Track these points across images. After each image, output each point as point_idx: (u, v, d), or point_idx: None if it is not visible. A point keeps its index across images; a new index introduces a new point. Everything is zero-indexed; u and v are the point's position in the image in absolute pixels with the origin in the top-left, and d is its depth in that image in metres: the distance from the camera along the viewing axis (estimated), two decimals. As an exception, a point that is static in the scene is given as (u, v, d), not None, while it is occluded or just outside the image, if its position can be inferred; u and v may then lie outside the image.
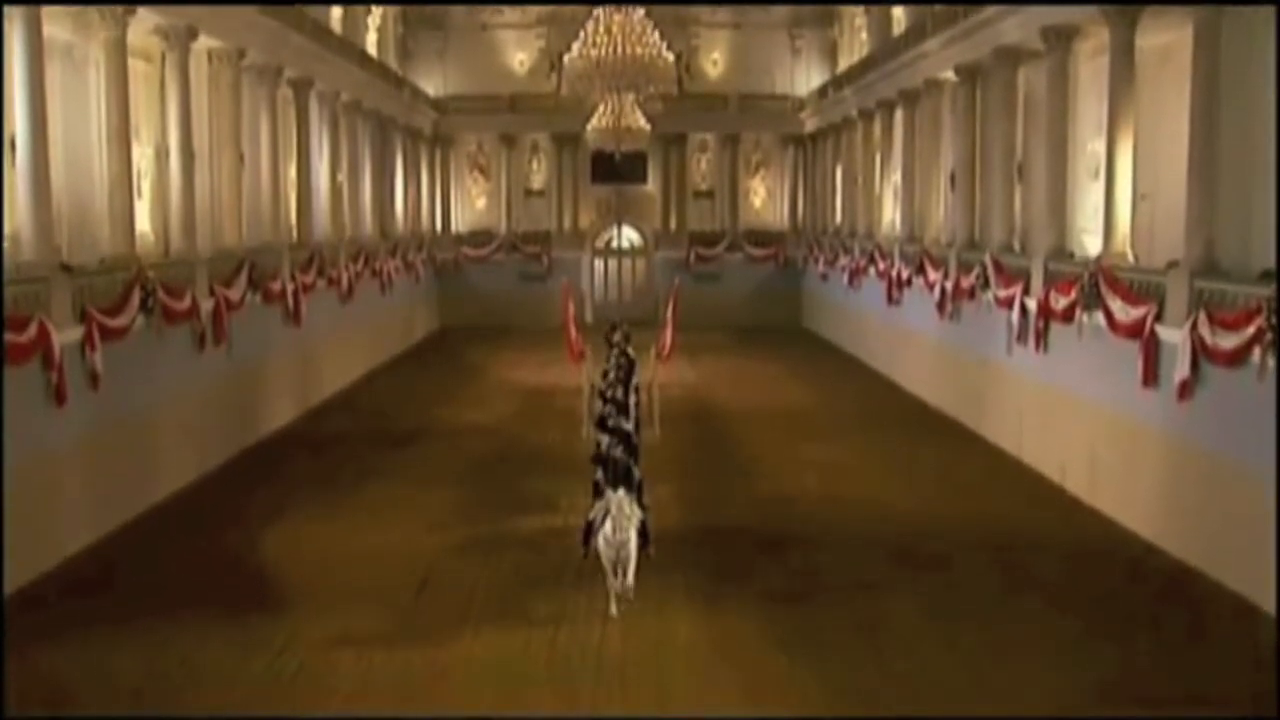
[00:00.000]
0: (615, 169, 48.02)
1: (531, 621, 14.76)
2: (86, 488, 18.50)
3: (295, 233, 31.88)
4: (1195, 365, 17.36)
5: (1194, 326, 17.18)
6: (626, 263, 51.53)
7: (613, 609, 14.64)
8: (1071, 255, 24.07)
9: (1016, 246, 27.12)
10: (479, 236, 50.22)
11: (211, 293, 23.66)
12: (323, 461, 24.13)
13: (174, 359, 21.86)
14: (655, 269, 50.01)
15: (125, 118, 21.91)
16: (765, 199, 51.97)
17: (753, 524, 19.57)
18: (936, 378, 30.63)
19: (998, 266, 25.67)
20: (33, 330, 16.58)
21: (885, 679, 13.23)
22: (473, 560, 17.37)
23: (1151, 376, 18.62)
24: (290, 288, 28.68)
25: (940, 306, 29.60)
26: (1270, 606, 14.90)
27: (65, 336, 17.60)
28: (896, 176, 36.91)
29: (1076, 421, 21.55)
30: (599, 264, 51.38)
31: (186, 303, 22.09)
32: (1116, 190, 22.48)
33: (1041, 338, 23.02)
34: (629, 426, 19.32)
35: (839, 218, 44.81)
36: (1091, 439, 20.88)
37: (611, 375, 23.53)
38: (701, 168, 51.66)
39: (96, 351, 18.49)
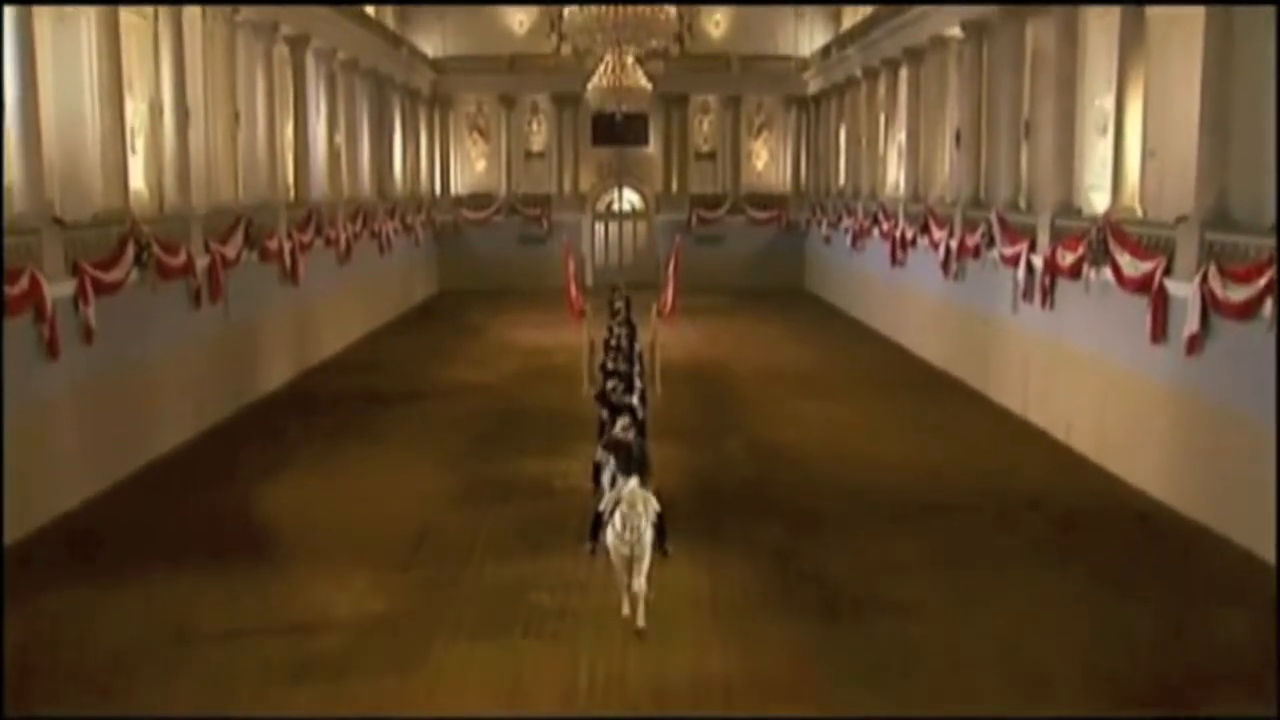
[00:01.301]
0: (616, 131, 47.53)
1: (531, 575, 14.62)
2: (82, 443, 18.29)
3: (292, 192, 31.58)
4: (1205, 319, 17.12)
5: (1204, 279, 16.91)
6: (627, 225, 51.17)
7: (625, 609, 12.95)
8: (1079, 212, 23.75)
9: (1023, 204, 26.80)
10: (478, 199, 49.83)
11: (207, 249, 23.38)
12: (321, 419, 23.95)
13: (169, 315, 21.61)
14: (656, 232, 49.63)
15: (117, 72, 21.51)
16: (768, 161, 51.50)
17: (755, 479, 19.48)
18: (941, 338, 30.38)
19: (1003, 224, 25.36)
20: (24, 282, 16.32)
21: (885, 631, 13.11)
22: (472, 514, 17.26)
23: (1160, 331, 18.36)
24: (287, 246, 28.38)
25: (945, 266, 29.31)
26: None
27: (57, 290, 17.36)
28: (901, 136, 36.50)
29: (1083, 379, 21.31)
30: (599, 227, 51.02)
31: (181, 258, 21.82)
32: (1125, 146, 22.16)
33: (1048, 295, 22.74)
34: (634, 400, 17.88)
35: (842, 179, 44.45)
36: (1098, 396, 20.64)
37: (614, 344, 22.59)
38: (703, 129, 51.18)
39: (90, 305, 18.26)
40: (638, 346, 23.05)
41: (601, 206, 51.10)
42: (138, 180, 24.13)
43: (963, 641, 12.82)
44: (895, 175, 37.50)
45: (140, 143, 24.78)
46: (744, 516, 17.27)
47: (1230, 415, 16.61)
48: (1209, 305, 16.91)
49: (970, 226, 27.57)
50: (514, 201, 49.49)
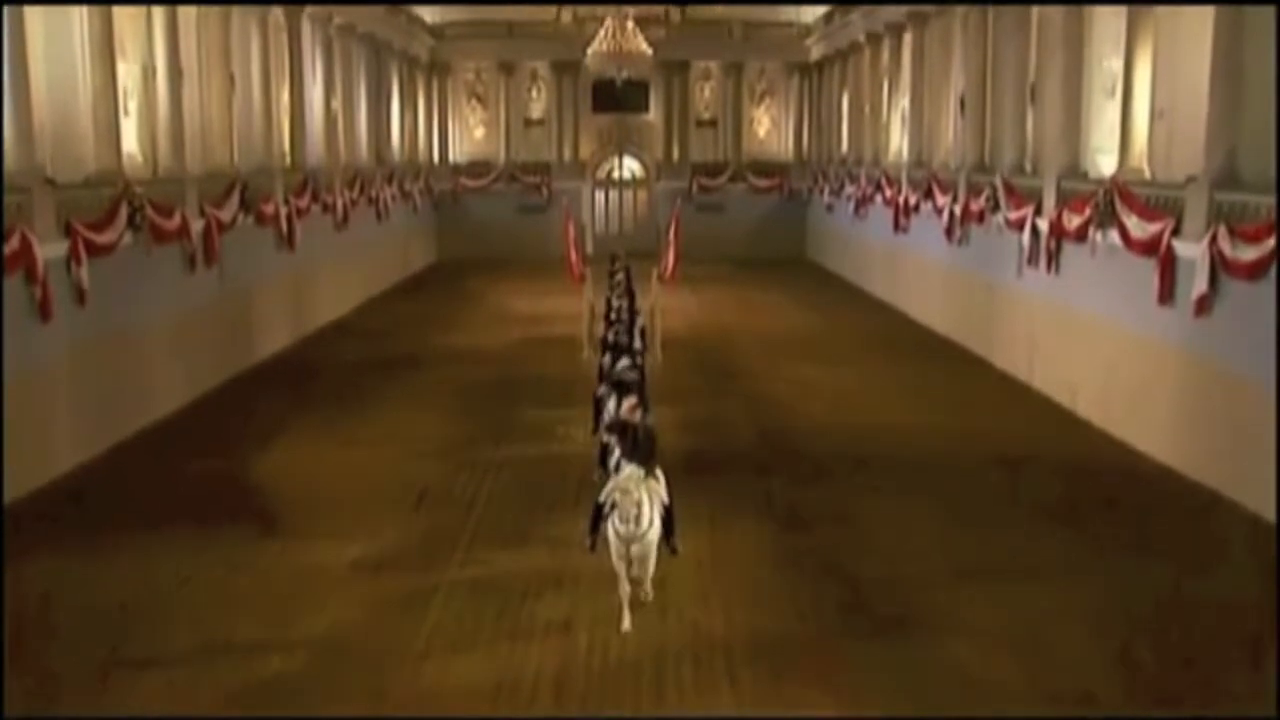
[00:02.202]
0: (616, 98, 47.21)
1: (530, 536, 14.49)
2: (76, 406, 18.08)
3: (289, 157, 31.23)
4: (1213, 280, 16.87)
5: (1213, 240, 16.65)
6: (628, 193, 50.81)
7: (625, 623, 11.52)
8: (1085, 175, 23.45)
9: (1028, 168, 26.46)
10: (477, 167, 49.44)
11: (202, 213, 23.09)
12: (319, 385, 23.77)
13: (164, 279, 21.35)
14: (657, 200, 49.25)
15: (109, 32, 21.14)
16: (769, 128, 51.05)
17: (755, 442, 19.38)
18: (944, 304, 30.13)
19: (1008, 188, 25.06)
20: (15, 242, 16.06)
21: (886, 589, 12.98)
22: (471, 476, 17.13)
23: (1167, 293, 18.12)
24: (284, 211, 28.08)
25: (948, 231, 29.03)
26: (1289, 524, 14.58)
27: (49, 250, 17.10)
28: (904, 102, 36.14)
29: (1089, 343, 21.07)
30: (600, 195, 50.68)
31: (176, 221, 21.54)
32: (1133, 107, 21.85)
33: (1053, 258, 22.48)
34: (635, 375, 16.32)
35: (845, 146, 44.07)
36: (1104, 361, 20.40)
37: (614, 317, 21.68)
38: (704, 96, 50.70)
39: (82, 267, 18.00)
40: (639, 320, 22.13)
41: (602, 174, 50.73)
42: (131, 143, 23.80)
43: (962, 598, 12.70)
44: (898, 142, 37.14)
45: (133, 105, 24.44)
46: (744, 476, 17.18)
47: (1238, 377, 16.37)
48: (1218, 266, 16.66)
49: (974, 191, 27.28)
50: (513, 169, 49.12)
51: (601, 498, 11.85)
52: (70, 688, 10.65)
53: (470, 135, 50.53)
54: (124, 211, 19.50)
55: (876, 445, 18.95)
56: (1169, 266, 18.08)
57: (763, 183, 49.22)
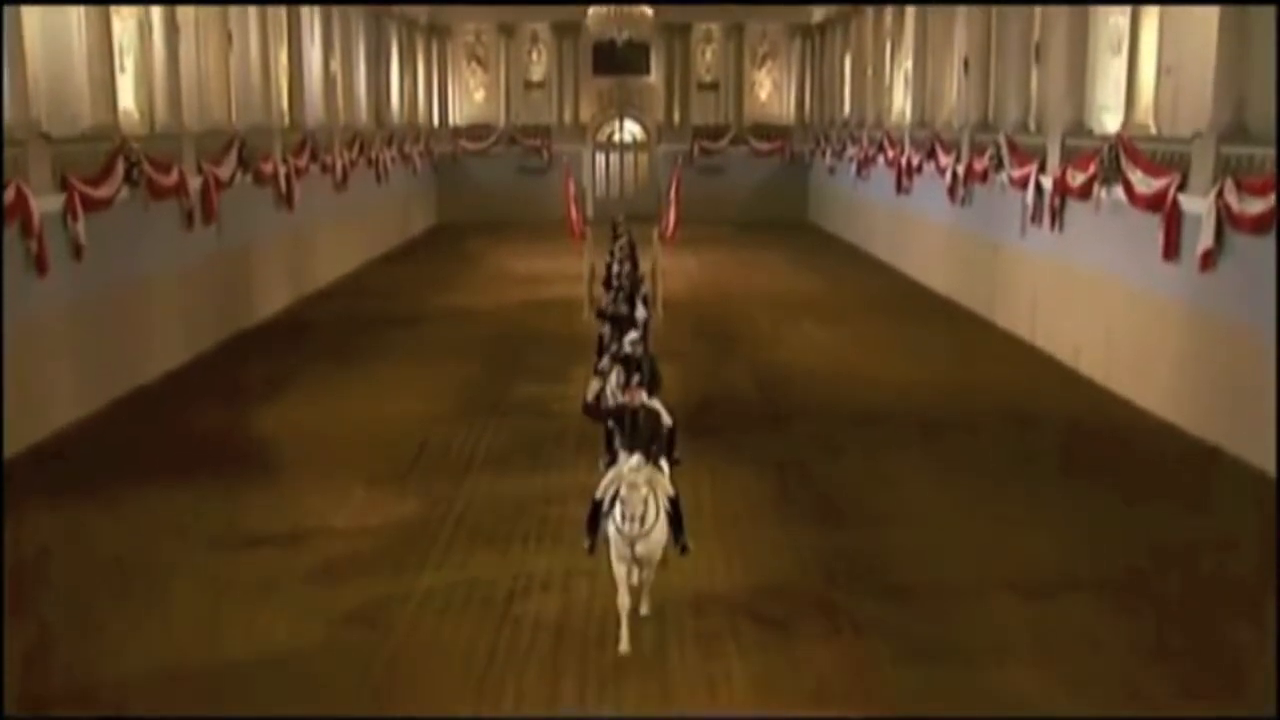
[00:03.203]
0: (617, 60, 46.85)
1: (530, 484, 14.51)
2: (75, 361, 18.01)
3: (287, 117, 30.99)
4: (1219, 235, 16.72)
5: (1220, 193, 16.49)
6: (629, 156, 50.50)
7: (623, 644, 10.15)
8: (1090, 132, 23.24)
9: (1032, 126, 26.23)
10: (478, 130, 49.11)
11: (200, 170, 22.91)
12: (319, 343, 23.73)
13: (161, 235, 21.23)
14: (658, 163, 48.95)
15: (104, -16, 20.95)
16: (771, 91, 50.67)
17: (757, 397, 19.39)
18: (946, 265, 29.98)
19: (1012, 146, 24.86)
20: (10, 194, 15.92)
21: (887, 538, 12.99)
22: (471, 429, 17.16)
23: (1172, 249, 17.96)
24: (282, 171, 27.89)
25: (951, 191, 28.85)
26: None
27: (45, 204, 16.96)
28: (908, 64, 35.86)
29: (1092, 301, 20.94)
30: (600, 158, 50.37)
31: (173, 178, 21.38)
32: (1140, 64, 21.63)
33: (1057, 216, 22.31)
34: (637, 349, 14.43)
35: (847, 109, 43.75)
36: (1108, 318, 20.29)
37: (616, 284, 20.59)
38: (706, 59, 50.28)
39: (79, 221, 17.85)
40: (643, 288, 20.84)
41: (602, 137, 50.40)
42: (127, 100, 23.59)
43: (964, 547, 12.71)
44: (901, 103, 36.87)
45: (129, 62, 24.20)
46: (745, 431, 17.16)
47: (1243, 332, 16.26)
48: (1224, 220, 16.50)
49: (978, 150, 27.07)
50: (513, 132, 48.81)
51: (599, 493, 10.58)
52: (68, 637, 10.61)
53: (470, 98, 50.18)
54: (120, 166, 19.34)
55: (877, 401, 18.93)
56: (1174, 222, 17.92)
57: (764, 146, 48.90)
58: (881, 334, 24.80)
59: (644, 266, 24.03)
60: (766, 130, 49.34)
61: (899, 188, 33.82)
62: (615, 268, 22.36)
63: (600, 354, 16.57)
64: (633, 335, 14.45)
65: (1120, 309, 19.89)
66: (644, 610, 10.59)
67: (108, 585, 11.65)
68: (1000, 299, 25.73)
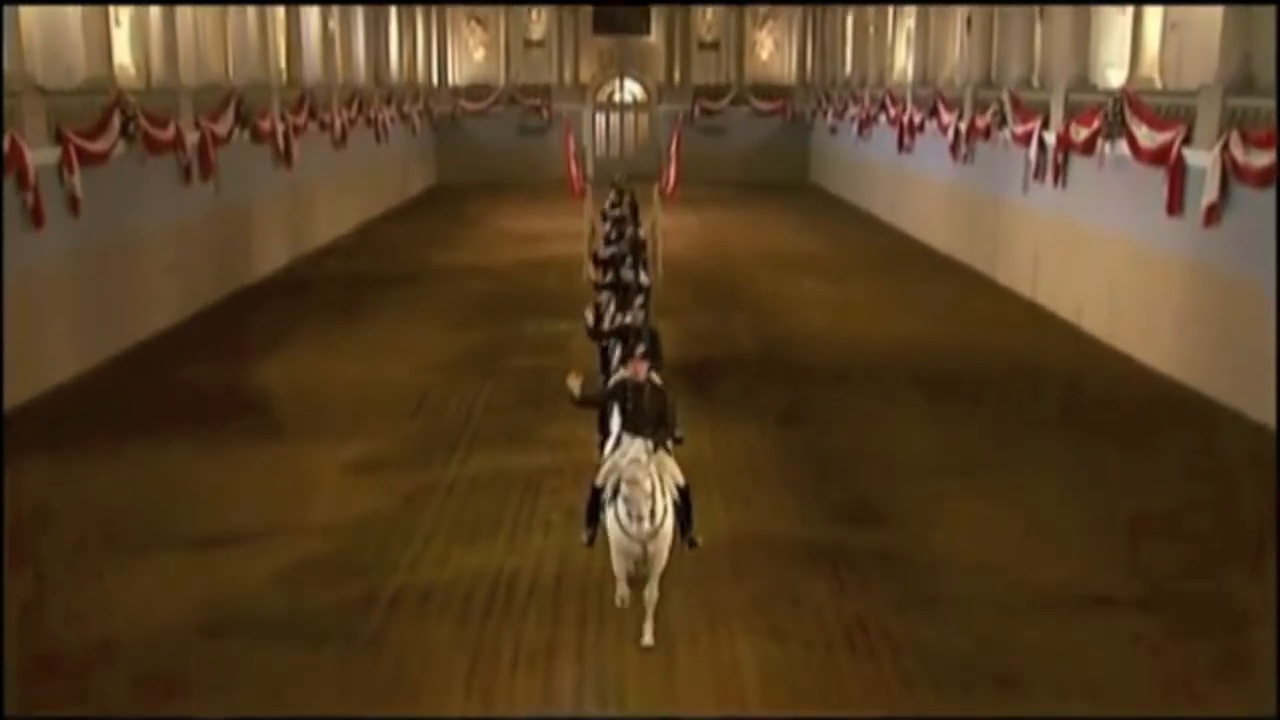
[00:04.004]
0: (617, 20, 46.51)
1: (530, 436, 14.51)
2: (73, 316, 17.95)
3: (285, 74, 30.73)
4: (1224, 188, 16.59)
5: (1225, 146, 16.35)
6: (629, 116, 50.16)
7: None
8: (1094, 88, 23.04)
9: (1035, 83, 26.05)
10: (477, 89, 48.77)
11: (197, 125, 22.73)
12: (318, 300, 23.64)
13: (159, 190, 21.10)
14: (658, 123, 48.63)
15: (99, -64, 20.70)
16: (773, 51, 50.26)
17: (758, 354, 19.36)
18: (948, 223, 29.83)
19: (1015, 102, 24.67)
20: (4, 145, 15.78)
21: (886, 490, 12.98)
22: (470, 384, 17.15)
23: (1177, 203, 17.85)
24: (280, 128, 27.68)
25: (954, 149, 28.66)
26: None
27: (41, 157, 16.84)
28: (910, 22, 35.57)
29: (1095, 257, 20.83)
30: (600, 118, 50.03)
31: (170, 133, 21.21)
32: (1145, 18, 21.41)
33: (1060, 172, 22.19)
34: (636, 317, 13.25)
35: (849, 68, 43.44)
36: (1110, 274, 20.19)
37: (615, 250, 18.44)
38: (707, 19, 49.80)
39: (75, 175, 17.73)
40: (644, 255, 18.91)
41: (602, 97, 50.04)
42: (123, 55, 23.38)
43: (962, 494, 12.73)
44: (903, 61, 36.59)
45: (125, 17, 23.96)
46: (746, 385, 17.19)
47: (1245, 286, 16.18)
48: (1229, 173, 16.37)
49: (980, 107, 26.88)
50: (513, 92, 48.46)
51: (599, 479, 9.57)
52: (68, 582, 10.63)
53: (469, 57, 49.79)
54: (116, 120, 19.17)
55: (878, 358, 18.91)
56: (1179, 176, 17.79)
57: (765, 106, 48.56)
58: (882, 292, 24.72)
59: (645, 225, 23.87)
60: (768, 90, 48.99)
61: (901, 146, 33.62)
62: (614, 232, 20.65)
63: (598, 321, 15.11)
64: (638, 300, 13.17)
65: (1123, 264, 19.79)
66: (647, 639, 9.29)
67: (106, 536, 11.63)
68: (1002, 256, 25.61)
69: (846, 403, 16.34)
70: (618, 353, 12.00)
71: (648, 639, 9.29)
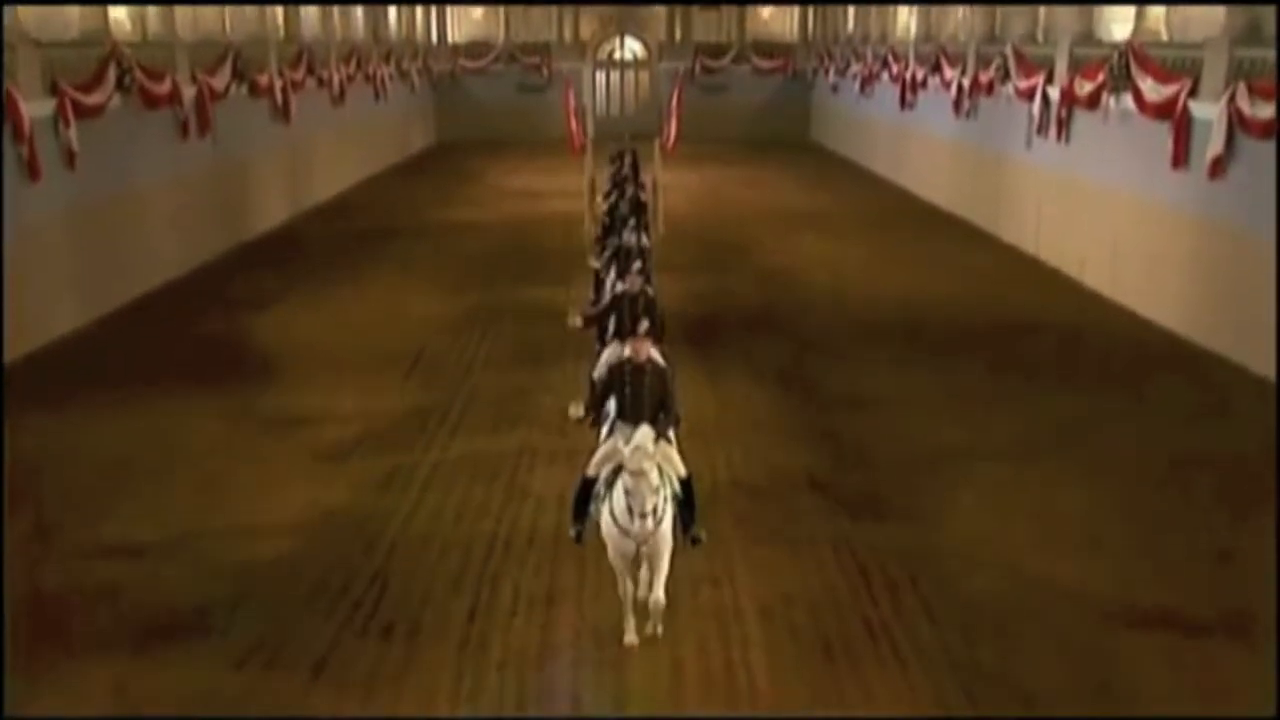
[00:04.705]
0: (618, -25, 45.96)
1: (529, 386, 14.51)
2: (74, 269, 17.89)
3: (283, 29, 30.46)
4: (1230, 141, 16.45)
5: (1232, 98, 16.19)
6: (629, 75, 49.78)
7: (630, 635, 8.56)
8: (1099, 42, 22.82)
9: (1040, 37, 25.81)
10: (477, 47, 48.34)
11: (194, 79, 22.54)
12: (317, 255, 23.58)
13: (156, 145, 20.95)
14: (659, 81, 48.27)
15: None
16: (774, 9, 49.78)
17: (757, 309, 19.30)
18: (950, 180, 29.65)
19: (1019, 57, 24.44)
20: (0, 97, 15.65)
21: (886, 439, 12.99)
22: (470, 335, 17.18)
23: (1181, 156, 17.72)
24: (278, 84, 27.45)
25: (956, 105, 28.44)
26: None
27: (35, 110, 16.68)
28: (913, -23, 35.14)
29: (1099, 212, 20.71)
30: (600, 76, 49.65)
31: (166, 86, 21.04)
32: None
33: (1064, 126, 22.02)
34: (634, 284, 11.57)
35: (851, 26, 43.04)
36: (1113, 229, 20.08)
37: (615, 216, 17.44)
38: (708, -25, 49.34)
39: (70, 128, 17.59)
40: (646, 240, 16.95)
41: (603, 55, 49.63)
42: (119, 9, 23.17)
43: (964, 451, 12.68)
44: (906, 18, 36.22)
45: (120, -30, 23.73)
46: (747, 338, 17.17)
47: (1249, 239, 16.08)
48: (1235, 125, 16.23)
49: (984, 63, 26.65)
50: (513, 50, 48.06)
51: (591, 469, 8.68)
52: (69, 528, 10.64)
53: (469, 14, 49.34)
54: (112, 73, 19.02)
55: (878, 313, 18.86)
56: (1184, 128, 17.64)
57: (767, 64, 48.16)
58: (883, 248, 24.61)
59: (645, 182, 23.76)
60: (769, 48, 48.57)
61: (903, 103, 33.35)
62: (614, 194, 19.43)
63: (598, 289, 14.39)
64: (636, 264, 12.26)
65: (1126, 219, 19.68)
66: (661, 602, 8.37)
67: (106, 485, 11.65)
68: (1004, 212, 25.47)
69: (847, 357, 16.31)
70: (611, 325, 11.14)
71: (656, 630, 8.53)
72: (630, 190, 18.66)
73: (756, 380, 15.18)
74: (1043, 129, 22.93)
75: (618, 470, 8.14)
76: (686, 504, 8.57)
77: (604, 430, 9.16)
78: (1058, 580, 9.65)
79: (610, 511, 8.17)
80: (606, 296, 12.48)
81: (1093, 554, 10.20)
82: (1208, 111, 16.94)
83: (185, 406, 13.89)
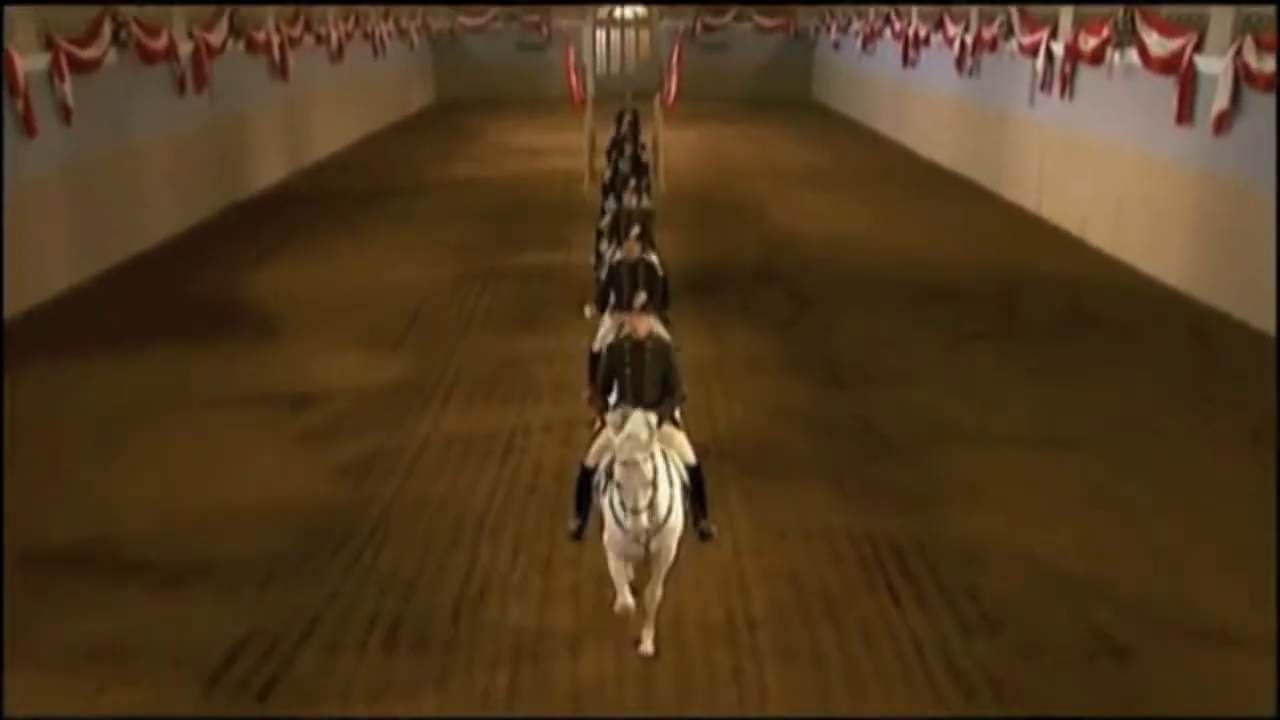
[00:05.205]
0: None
1: (528, 347, 14.46)
2: (71, 226, 17.80)
3: (279, -16, 30.16)
4: (1235, 95, 16.32)
5: (1238, 52, 16.04)
6: (629, 33, 49.37)
7: (647, 643, 7.77)
8: (1104, -4, 22.61)
9: (1045, -7, 25.54)
10: (475, 5, 47.90)
11: (191, 35, 22.35)
12: (316, 212, 23.47)
13: (152, 101, 20.79)
14: (659, 39, 47.87)
15: None
16: (776, -34, 49.28)
17: (758, 263, 19.27)
18: (953, 137, 29.46)
19: (1023, 13, 24.22)
20: (-5, 51, 15.54)
21: (886, 395, 12.96)
22: (469, 293, 17.11)
23: (1186, 112, 17.57)
24: (276, 40, 27.23)
25: (959, 62, 28.22)
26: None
27: (30, 64, 16.54)
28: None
29: (1101, 169, 20.58)
30: (600, 34, 49.24)
31: (163, 42, 20.85)
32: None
33: (1067, 83, 21.84)
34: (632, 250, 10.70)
35: (853, -18, 42.64)
36: (1116, 186, 19.96)
37: (621, 171, 16.62)
38: (709, -68, 48.81)
39: (66, 82, 17.44)
40: (648, 201, 15.77)
41: (603, 13, 49.18)
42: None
43: (965, 400, 12.70)
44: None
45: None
46: (746, 294, 17.11)
47: (1253, 195, 15.97)
48: (1241, 79, 16.10)
49: (987, 19, 26.42)
50: (512, 8, 47.60)
51: (590, 458, 7.91)
52: (69, 479, 10.65)
53: (467, -29, 48.87)
54: (107, 28, 18.85)
55: (878, 268, 18.84)
56: (1189, 83, 17.49)
57: (768, 22, 47.74)
58: (883, 206, 24.50)
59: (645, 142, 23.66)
60: (771, 6, 48.12)
61: (905, 61, 33.11)
62: (611, 151, 19.13)
63: (599, 255, 13.76)
64: (636, 229, 11.30)
65: (1130, 176, 19.55)
66: (646, 646, 7.73)
67: (105, 437, 11.65)
68: (1006, 170, 25.34)
69: (846, 309, 16.33)
70: (612, 297, 10.37)
71: (647, 647, 7.73)
72: (630, 149, 18.29)
73: (757, 328, 15.29)
74: (1046, 85, 22.76)
75: (614, 461, 7.30)
76: (695, 494, 7.82)
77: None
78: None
79: (610, 506, 7.37)
80: (605, 265, 11.91)
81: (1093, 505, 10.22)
82: (1213, 66, 16.79)
83: (182, 363, 13.86)
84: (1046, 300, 16.91)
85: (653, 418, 7.31)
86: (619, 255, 10.89)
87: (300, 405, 12.48)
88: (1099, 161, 20.71)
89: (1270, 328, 15.04)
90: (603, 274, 11.56)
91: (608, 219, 13.72)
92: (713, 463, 10.00)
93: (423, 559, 9.15)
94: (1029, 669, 7.69)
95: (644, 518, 7.18)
